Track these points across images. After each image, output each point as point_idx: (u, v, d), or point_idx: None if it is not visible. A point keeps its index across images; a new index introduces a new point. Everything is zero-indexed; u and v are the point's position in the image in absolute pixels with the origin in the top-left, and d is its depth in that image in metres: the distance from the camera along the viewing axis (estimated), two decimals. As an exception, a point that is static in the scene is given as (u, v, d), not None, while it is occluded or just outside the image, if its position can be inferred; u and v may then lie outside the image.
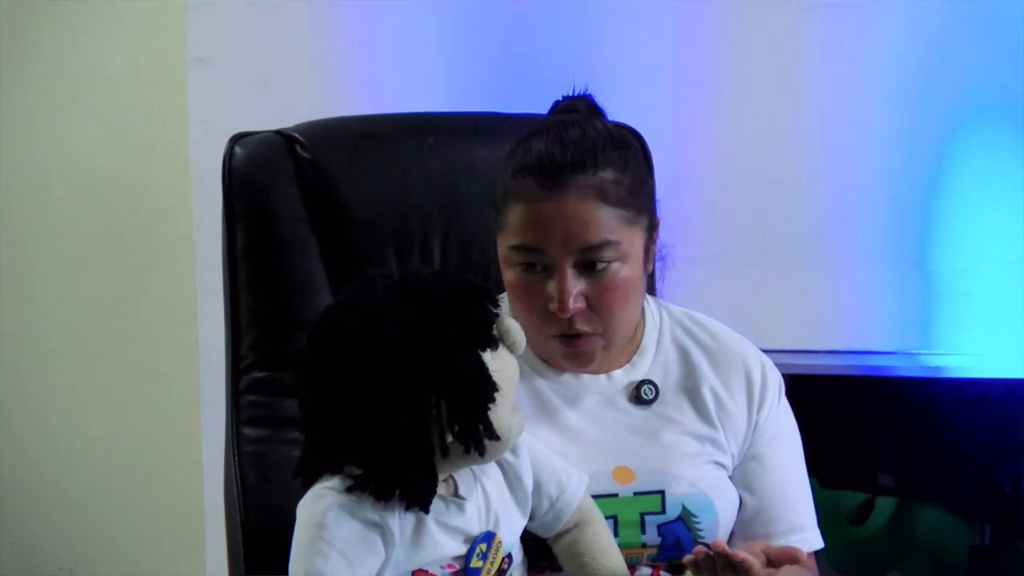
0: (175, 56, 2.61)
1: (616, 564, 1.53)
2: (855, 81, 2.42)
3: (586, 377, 1.66)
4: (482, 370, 1.37)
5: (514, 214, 1.57)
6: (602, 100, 1.68)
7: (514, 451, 1.51)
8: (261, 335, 1.80)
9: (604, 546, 1.54)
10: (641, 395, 1.66)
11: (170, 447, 2.78)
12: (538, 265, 1.57)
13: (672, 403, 1.66)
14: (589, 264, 1.56)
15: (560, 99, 1.67)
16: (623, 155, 1.60)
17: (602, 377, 1.66)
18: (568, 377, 1.66)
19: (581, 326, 1.58)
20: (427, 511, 1.40)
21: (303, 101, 2.43)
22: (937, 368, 2.39)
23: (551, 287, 1.56)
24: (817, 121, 2.45)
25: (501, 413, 1.38)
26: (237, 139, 1.84)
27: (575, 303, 1.55)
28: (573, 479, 1.54)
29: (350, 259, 1.82)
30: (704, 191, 2.46)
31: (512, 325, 1.42)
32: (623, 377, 1.67)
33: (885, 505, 2.54)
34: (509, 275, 1.61)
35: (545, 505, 1.53)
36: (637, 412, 1.65)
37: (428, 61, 2.49)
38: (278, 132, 1.86)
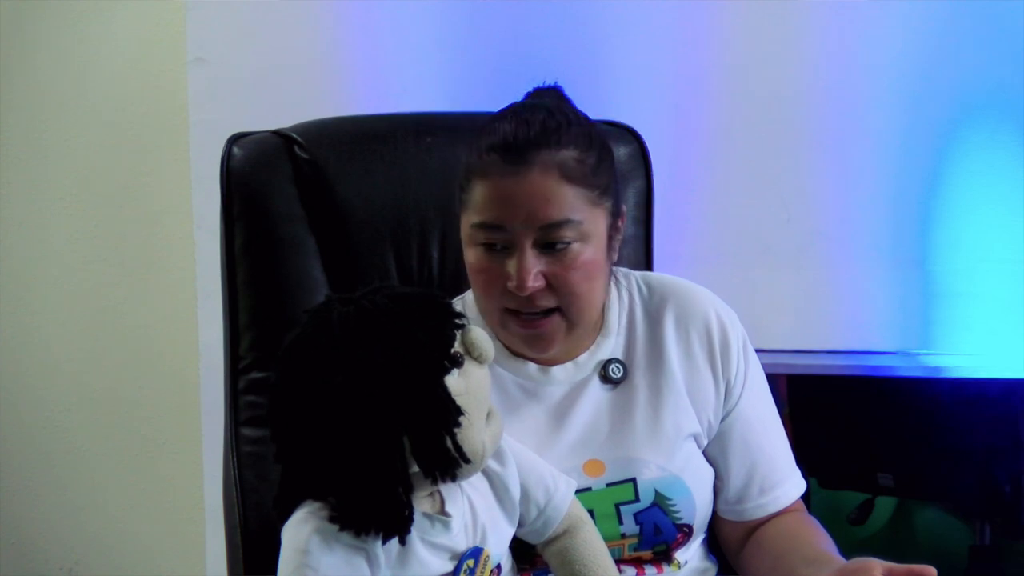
0: (175, 56, 2.61)
1: (607, 569, 1.53)
2: (855, 81, 2.42)
3: (553, 369, 1.66)
4: (442, 398, 1.34)
5: (477, 191, 1.57)
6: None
7: (500, 460, 1.50)
8: (259, 335, 1.80)
9: (594, 551, 1.53)
10: (609, 374, 1.66)
11: (170, 447, 2.78)
12: (499, 244, 1.56)
13: (640, 379, 1.66)
14: (549, 244, 1.56)
15: (530, 90, 1.68)
16: (587, 134, 1.60)
17: (568, 365, 1.66)
18: (533, 370, 1.66)
19: (541, 302, 1.57)
20: (403, 543, 1.38)
21: (303, 101, 2.43)
22: (937, 368, 2.39)
23: (511, 266, 1.55)
24: (817, 121, 2.44)
25: (471, 433, 1.36)
26: (235, 139, 1.84)
27: (534, 281, 1.55)
28: (561, 485, 1.53)
29: (348, 258, 1.82)
30: (704, 191, 2.46)
31: (478, 336, 1.40)
32: (588, 360, 1.67)
33: (885, 505, 2.53)
34: (470, 255, 1.60)
35: (533, 512, 1.52)
36: (606, 395, 1.66)
37: (428, 61, 2.49)
38: (276, 132, 1.86)
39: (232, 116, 2.24)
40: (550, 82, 1.68)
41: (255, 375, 1.80)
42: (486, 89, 2.44)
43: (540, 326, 1.58)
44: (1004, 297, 2.39)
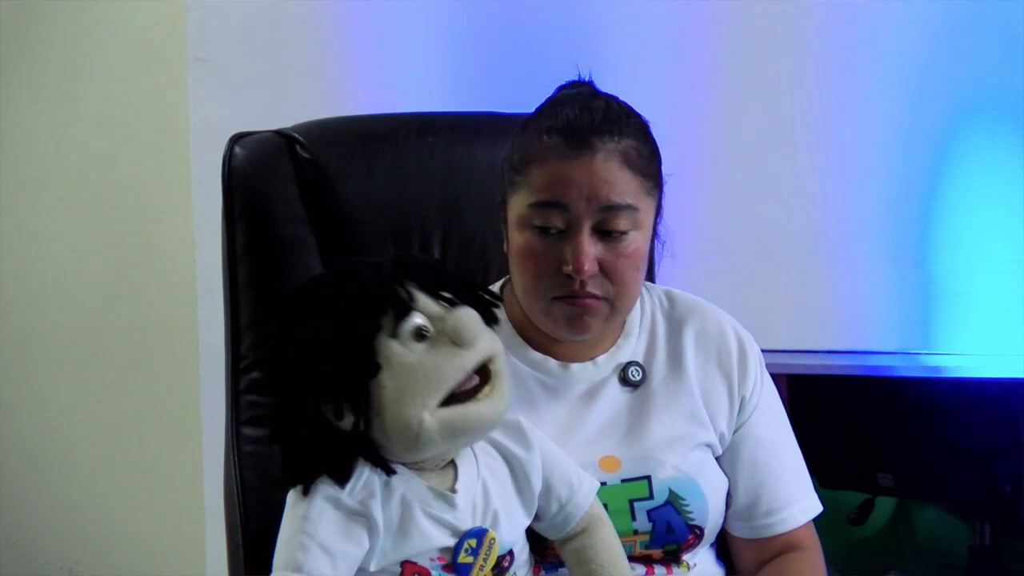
0: (175, 56, 2.61)
1: (623, 571, 1.54)
2: (855, 80, 2.42)
3: (573, 366, 1.67)
4: (355, 352, 1.38)
5: (538, 172, 1.58)
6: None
7: (526, 447, 1.52)
8: (261, 335, 1.80)
9: (612, 552, 1.54)
10: (628, 377, 1.67)
11: (170, 447, 2.78)
12: (554, 229, 1.57)
13: (659, 384, 1.67)
14: (607, 231, 1.57)
15: (566, 82, 1.69)
16: (643, 126, 1.62)
17: (588, 364, 1.67)
18: (553, 366, 1.66)
19: (592, 289, 1.58)
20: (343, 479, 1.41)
21: (303, 101, 2.43)
22: (937, 368, 2.39)
23: (567, 250, 1.56)
24: (817, 121, 2.44)
25: (402, 406, 1.37)
26: (237, 139, 1.84)
27: (590, 266, 1.56)
28: (585, 484, 1.54)
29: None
30: (704, 190, 2.46)
31: (459, 320, 1.40)
32: (608, 361, 1.68)
33: (885, 505, 2.54)
34: (520, 238, 1.60)
35: (554, 508, 1.53)
36: (624, 396, 1.66)
37: (428, 61, 2.49)
38: (278, 132, 1.86)
39: (232, 116, 2.24)
40: (583, 76, 1.69)
41: (256, 374, 1.80)
42: (487, 89, 2.45)
43: (586, 304, 1.59)
44: (1004, 297, 2.39)
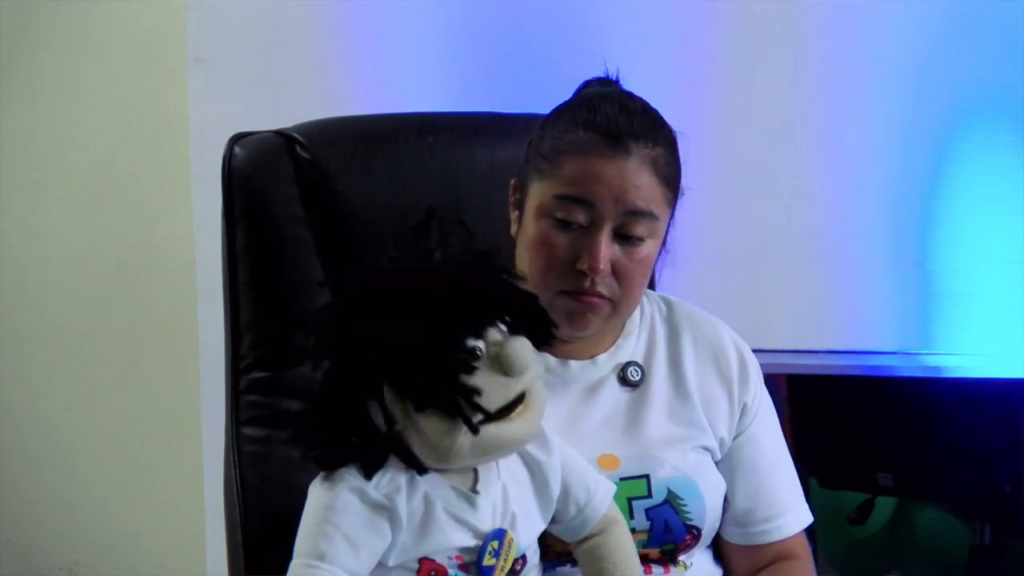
0: (175, 56, 2.61)
1: (635, 570, 1.54)
2: (855, 81, 2.43)
3: (571, 364, 1.67)
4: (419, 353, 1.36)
5: (569, 165, 1.58)
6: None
7: (546, 451, 1.52)
8: (261, 335, 1.80)
9: (624, 552, 1.54)
10: (628, 376, 1.67)
11: (170, 447, 2.78)
12: (575, 224, 1.58)
13: (657, 386, 1.68)
14: (625, 235, 1.58)
15: (592, 79, 1.71)
16: (673, 137, 1.65)
17: (587, 362, 1.68)
18: (552, 363, 1.66)
19: (600, 289, 1.59)
20: (369, 470, 1.40)
21: (303, 101, 2.43)
22: (937, 368, 2.39)
23: (584, 246, 1.57)
24: (817, 121, 2.45)
25: (439, 418, 1.37)
26: (237, 139, 1.84)
27: (605, 266, 1.57)
28: (602, 487, 1.54)
29: (350, 259, 1.82)
30: (704, 190, 2.46)
31: (513, 352, 1.39)
32: (608, 360, 1.69)
33: (885, 505, 2.54)
34: (537, 227, 1.60)
35: (572, 511, 1.53)
36: (623, 395, 1.67)
37: (429, 61, 2.49)
38: (278, 132, 1.86)
39: (232, 116, 2.24)
40: (598, 74, 1.71)
41: (256, 374, 1.80)
42: (487, 89, 2.45)
43: (591, 302, 1.60)
44: (1004, 297, 2.40)
